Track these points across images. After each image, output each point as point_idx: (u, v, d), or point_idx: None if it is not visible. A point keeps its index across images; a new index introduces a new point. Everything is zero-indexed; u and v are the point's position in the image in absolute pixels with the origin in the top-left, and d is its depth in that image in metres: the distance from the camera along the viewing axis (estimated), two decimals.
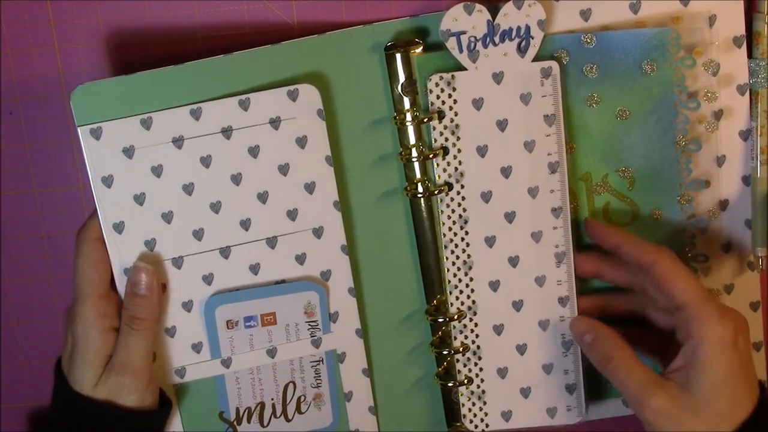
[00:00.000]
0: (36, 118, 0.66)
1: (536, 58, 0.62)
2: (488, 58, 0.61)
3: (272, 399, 0.64)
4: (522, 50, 0.61)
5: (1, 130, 0.66)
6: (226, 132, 0.60)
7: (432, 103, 0.62)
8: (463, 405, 0.66)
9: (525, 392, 0.66)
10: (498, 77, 0.62)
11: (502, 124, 0.62)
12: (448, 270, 0.64)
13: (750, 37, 0.64)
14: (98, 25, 0.64)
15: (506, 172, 0.63)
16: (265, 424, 0.65)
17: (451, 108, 0.62)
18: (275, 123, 0.61)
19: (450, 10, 0.60)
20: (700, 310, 0.58)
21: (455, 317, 0.65)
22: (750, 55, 0.64)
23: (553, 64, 0.61)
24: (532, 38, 0.61)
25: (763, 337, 0.68)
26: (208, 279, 0.62)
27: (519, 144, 0.63)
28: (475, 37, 0.61)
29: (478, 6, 0.60)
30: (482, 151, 0.63)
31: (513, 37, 0.61)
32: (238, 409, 0.64)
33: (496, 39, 0.61)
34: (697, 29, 0.63)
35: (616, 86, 0.63)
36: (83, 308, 0.60)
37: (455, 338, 0.65)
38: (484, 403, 0.66)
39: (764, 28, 0.63)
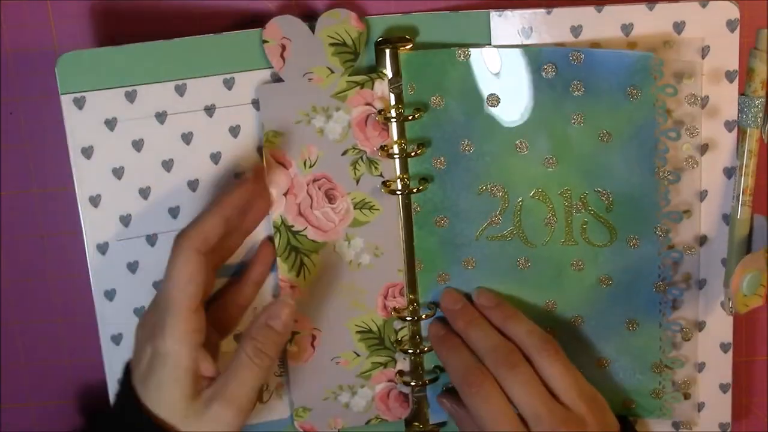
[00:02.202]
0: (36, 118, 0.69)
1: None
2: None
3: None
4: None
5: (1, 130, 0.69)
6: (209, 110, 0.63)
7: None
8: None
9: None
10: None
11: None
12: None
13: (744, 73, 0.65)
14: (98, 24, 0.67)
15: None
16: None
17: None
18: (257, 104, 0.64)
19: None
20: None
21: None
22: (742, 92, 0.65)
23: None
24: None
25: (731, 378, 0.70)
26: None
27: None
28: None
29: None
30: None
31: None
32: None
33: None
34: (688, 58, 0.65)
35: (600, 107, 0.65)
36: (175, 321, 0.58)
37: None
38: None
39: (758, 66, 0.64)
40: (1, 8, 0.67)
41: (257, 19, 0.65)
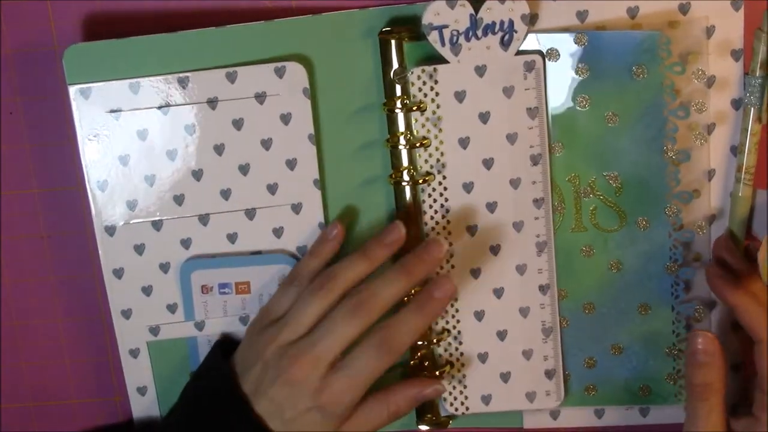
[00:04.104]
0: (36, 118, 0.71)
1: (524, 53, 0.66)
2: (471, 52, 0.66)
3: None
4: (505, 44, 0.66)
5: (1, 130, 0.71)
6: (212, 103, 0.67)
7: (414, 96, 0.68)
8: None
9: (505, 377, 0.72)
10: (480, 70, 0.67)
11: (484, 117, 0.67)
12: None
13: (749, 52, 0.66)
14: (98, 24, 0.69)
15: (488, 163, 0.68)
16: None
17: (433, 100, 0.67)
18: (260, 98, 0.67)
19: (432, 4, 0.65)
20: None
21: None
22: (747, 71, 0.67)
23: (537, 58, 0.66)
24: (516, 32, 0.66)
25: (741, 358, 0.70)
26: (186, 243, 0.69)
27: (501, 136, 0.68)
28: (458, 31, 0.66)
29: (460, 0, 0.65)
30: (464, 143, 0.68)
31: (496, 30, 0.65)
32: None
33: (479, 33, 0.66)
34: (694, 37, 0.66)
35: (607, 89, 0.67)
36: (353, 396, 0.65)
37: (436, 323, 0.71)
38: (465, 386, 0.72)
39: (759, 46, 0.65)
40: (1, 8, 0.69)
41: (257, 19, 0.67)
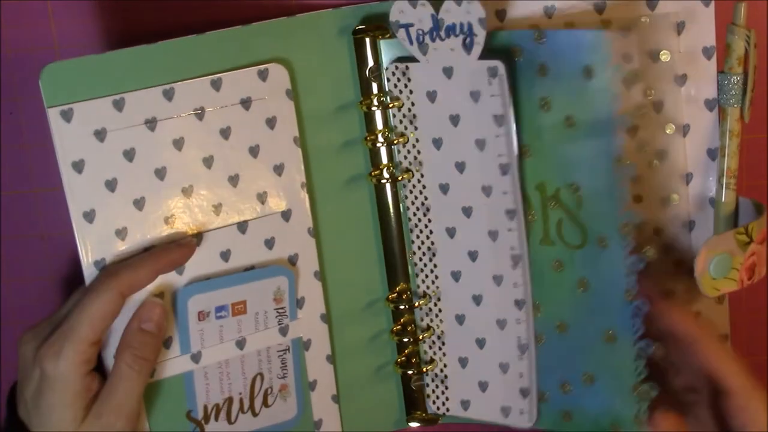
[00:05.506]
0: (36, 118, 0.71)
1: (492, 52, 0.64)
2: (437, 52, 0.65)
3: (240, 393, 0.68)
4: (467, 47, 0.64)
5: (1, 130, 0.70)
6: (199, 113, 0.64)
7: (390, 91, 0.69)
8: (428, 385, 0.72)
9: (483, 386, 0.71)
10: (448, 72, 0.66)
11: (454, 119, 0.67)
12: (414, 254, 0.71)
13: (723, 49, 0.64)
14: (98, 23, 0.69)
15: (460, 167, 0.68)
16: (232, 420, 0.68)
17: (408, 98, 0.68)
18: (246, 103, 0.65)
19: (396, 2, 0.65)
20: (749, 398, 0.61)
21: (418, 304, 0.71)
22: (720, 69, 0.64)
23: (498, 64, 0.63)
24: (476, 36, 0.63)
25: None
26: (179, 269, 0.65)
27: (471, 141, 0.67)
28: (423, 30, 0.65)
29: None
30: (438, 143, 0.68)
31: (458, 33, 0.64)
32: (206, 407, 0.67)
33: (442, 34, 0.65)
34: (662, 33, 0.65)
35: (563, 90, 0.63)
36: (71, 350, 0.61)
37: (421, 319, 0.72)
38: (446, 387, 0.73)
39: (735, 42, 0.63)
40: (1, 8, 0.69)
41: (257, 13, 0.67)
